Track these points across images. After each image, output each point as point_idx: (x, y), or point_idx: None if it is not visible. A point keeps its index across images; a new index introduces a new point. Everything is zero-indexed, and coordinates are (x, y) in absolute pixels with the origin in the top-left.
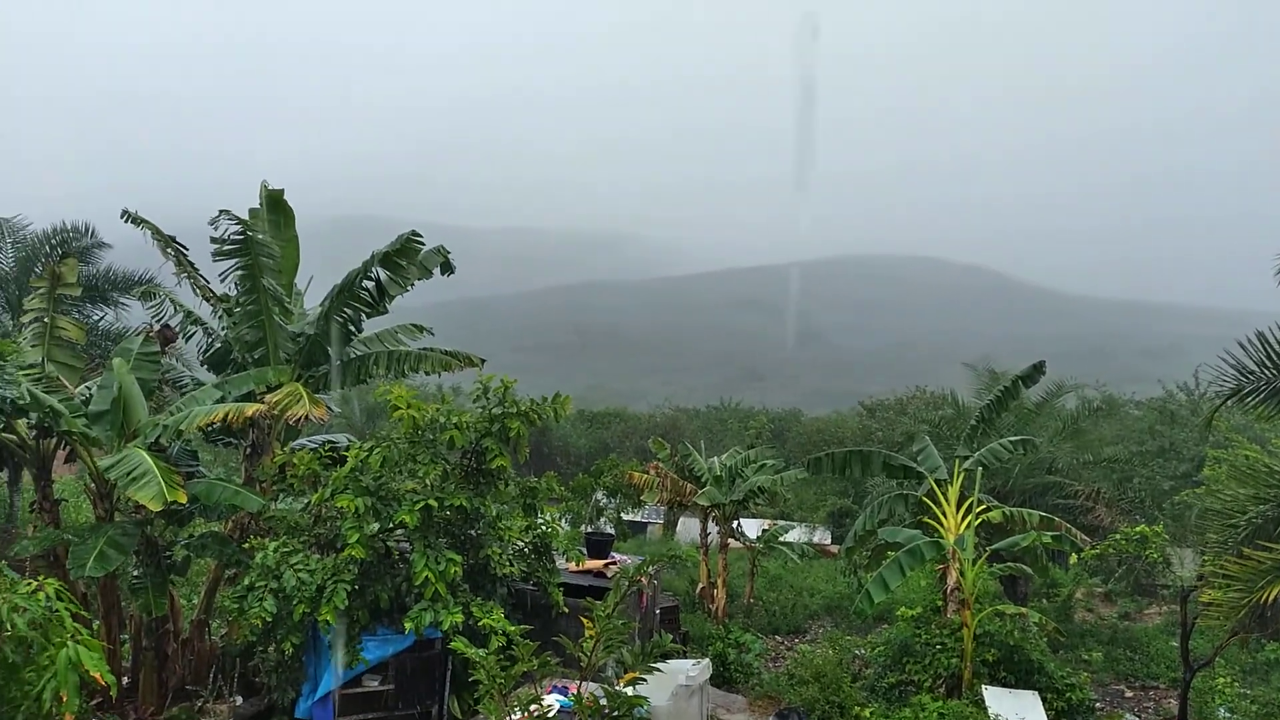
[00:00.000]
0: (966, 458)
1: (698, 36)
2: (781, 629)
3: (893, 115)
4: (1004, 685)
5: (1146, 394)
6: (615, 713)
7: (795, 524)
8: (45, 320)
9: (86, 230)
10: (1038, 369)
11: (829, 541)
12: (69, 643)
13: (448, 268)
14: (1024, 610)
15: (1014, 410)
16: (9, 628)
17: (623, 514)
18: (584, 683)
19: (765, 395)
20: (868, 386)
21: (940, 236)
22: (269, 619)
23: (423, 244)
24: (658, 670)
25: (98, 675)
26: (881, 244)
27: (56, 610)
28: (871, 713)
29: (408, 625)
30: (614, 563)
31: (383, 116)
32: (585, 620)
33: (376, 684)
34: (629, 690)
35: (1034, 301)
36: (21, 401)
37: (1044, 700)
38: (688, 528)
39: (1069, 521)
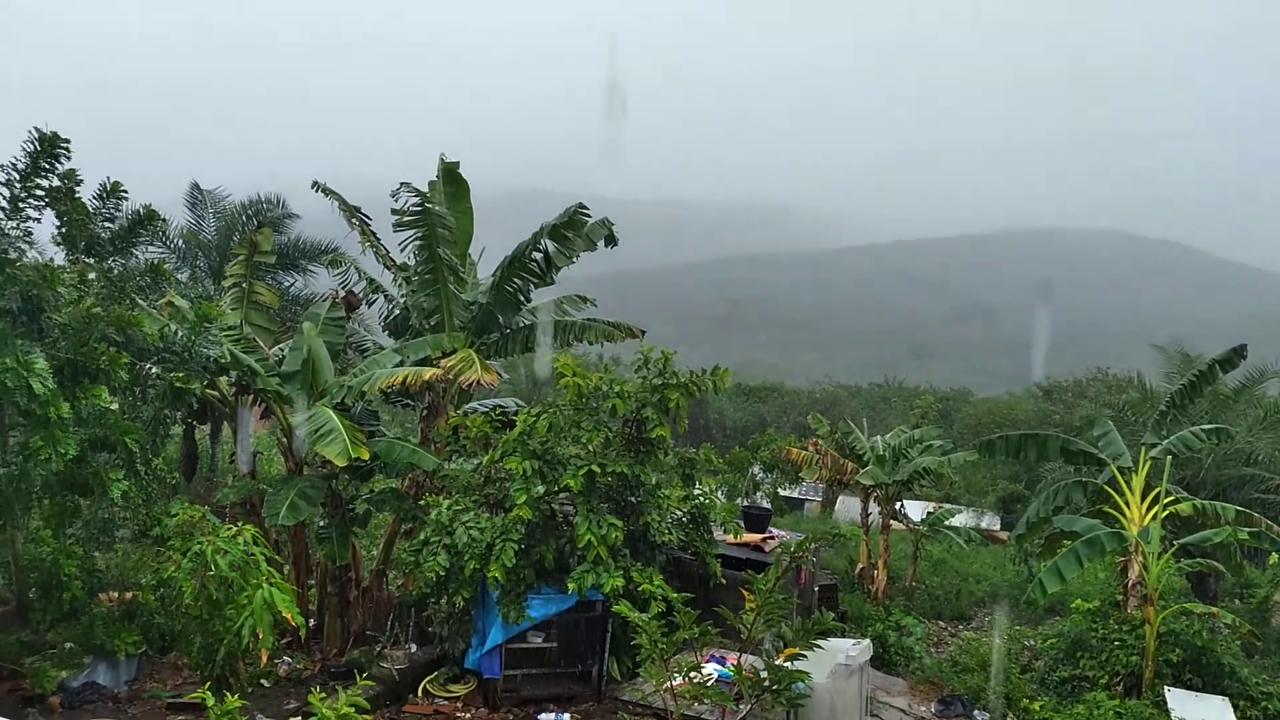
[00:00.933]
0: (1154, 445)
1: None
2: (944, 614)
3: (1074, 77)
4: (1189, 688)
5: None
6: (775, 686)
7: (962, 508)
8: (243, 286)
9: (278, 201)
10: (1238, 353)
11: (997, 527)
12: (264, 585)
13: (611, 240)
14: (1215, 610)
15: (1208, 396)
16: (213, 568)
17: (779, 489)
18: (743, 654)
19: (929, 374)
20: (1041, 368)
21: (1126, 208)
22: (442, 573)
23: (589, 217)
24: (818, 647)
25: (289, 616)
26: (1059, 216)
27: (253, 554)
28: (1041, 706)
29: (570, 586)
30: (771, 537)
31: (549, 94)
32: (746, 592)
33: (540, 641)
34: (789, 665)
35: (1231, 278)
36: (224, 361)
37: (1235, 708)
38: (847, 506)
39: (1269, 518)
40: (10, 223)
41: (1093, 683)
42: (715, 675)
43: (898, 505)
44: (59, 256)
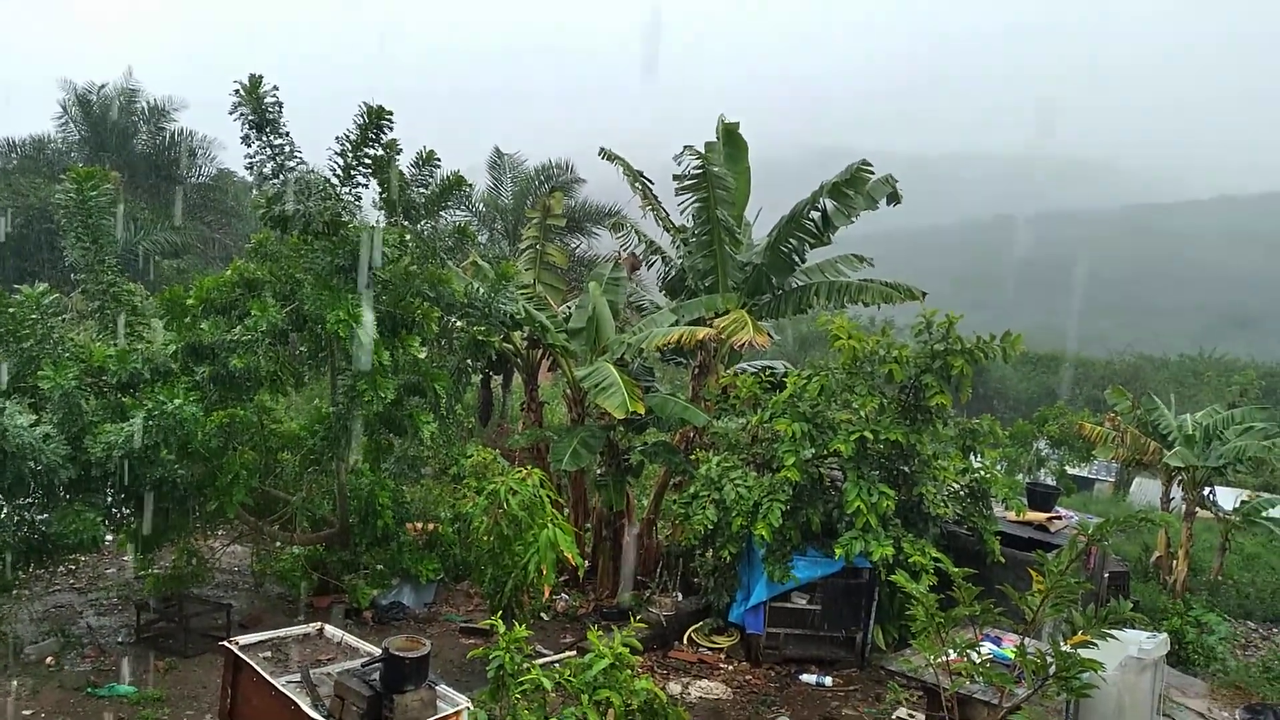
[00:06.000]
0: None
1: None
2: (1255, 615)
3: None
4: None
5: None
6: (1063, 673)
7: None
8: (537, 247)
9: (567, 167)
10: None
11: None
12: (549, 525)
13: (895, 198)
14: None
15: None
16: (505, 506)
17: (1067, 467)
18: (1025, 638)
19: (1253, 346)
20: None
21: None
22: (710, 526)
23: (872, 174)
24: (1112, 637)
25: (569, 556)
26: None
27: (540, 496)
28: None
29: (838, 551)
30: (1058, 517)
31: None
32: (1033, 572)
33: (804, 602)
34: (1078, 653)
35: None
36: (519, 317)
37: None
38: (1143, 489)
39: None
40: (344, 189)
41: None
42: (991, 655)
43: (1206, 491)
44: (380, 219)
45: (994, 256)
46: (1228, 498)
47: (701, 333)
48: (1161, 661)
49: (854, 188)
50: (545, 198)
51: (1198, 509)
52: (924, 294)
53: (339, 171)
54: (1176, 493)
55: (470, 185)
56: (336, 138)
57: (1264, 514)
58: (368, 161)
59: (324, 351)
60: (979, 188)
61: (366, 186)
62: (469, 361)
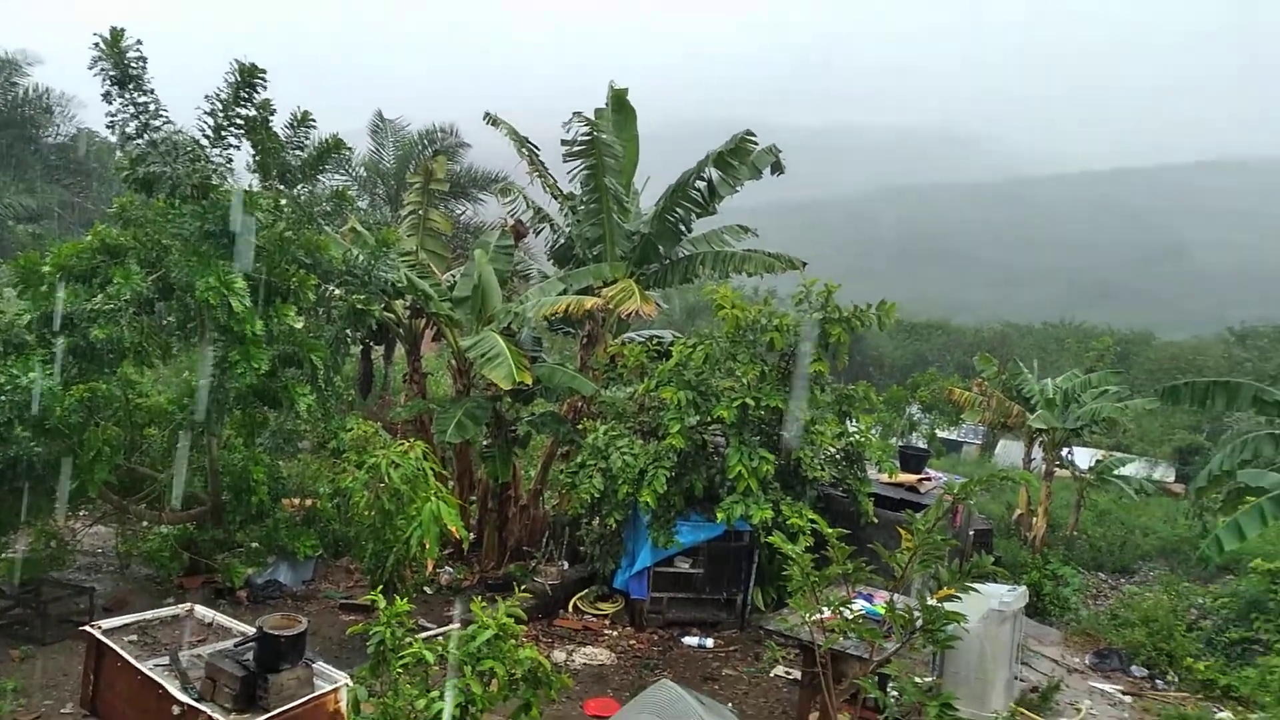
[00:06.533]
0: None
1: None
2: (1106, 566)
3: None
4: None
5: None
6: (928, 626)
7: (1135, 457)
8: (419, 213)
9: (452, 130)
10: None
11: (1172, 479)
12: (432, 498)
13: (778, 168)
14: None
15: None
16: (386, 480)
17: (937, 430)
18: (894, 594)
19: (1112, 314)
20: (1235, 311)
21: None
22: (596, 495)
23: (756, 144)
24: (974, 590)
25: (454, 529)
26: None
27: (423, 469)
28: (1206, 666)
29: (720, 515)
30: (928, 478)
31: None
32: (902, 530)
33: (687, 566)
34: (943, 607)
35: None
36: (400, 285)
37: None
38: (1008, 451)
39: None
40: (214, 150)
41: (1267, 647)
42: (863, 612)
43: (1065, 452)
44: (254, 183)
45: (874, 228)
46: (1084, 457)
47: (589, 302)
48: (1020, 613)
49: (738, 158)
50: (428, 161)
51: (1056, 468)
52: (804, 264)
53: (208, 132)
54: (1038, 453)
55: (349, 149)
56: (206, 96)
57: (1115, 472)
58: (240, 122)
59: (193, 321)
60: (862, 162)
61: (239, 149)
62: (348, 331)
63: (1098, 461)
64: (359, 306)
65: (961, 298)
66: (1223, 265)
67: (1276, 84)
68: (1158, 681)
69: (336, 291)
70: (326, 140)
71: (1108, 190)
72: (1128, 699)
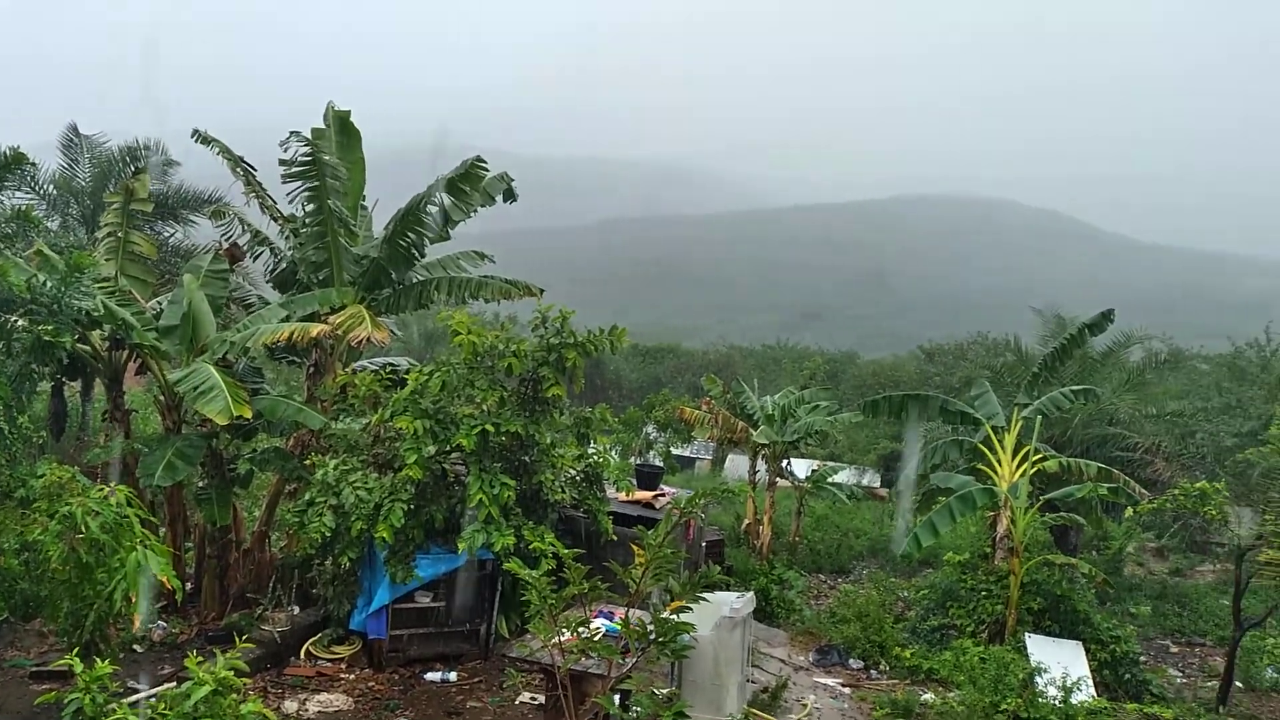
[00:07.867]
0: (1025, 405)
1: None
2: (825, 568)
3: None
4: (1048, 634)
5: (1218, 350)
6: (661, 638)
7: (845, 466)
8: (119, 235)
9: (158, 147)
10: (1106, 317)
11: (878, 484)
12: (138, 547)
13: (510, 195)
14: (1074, 561)
15: (1078, 359)
16: (83, 529)
17: (672, 448)
18: (631, 609)
19: (823, 336)
20: (928, 331)
21: (1015, 176)
22: (328, 534)
23: (487, 170)
24: (704, 601)
25: (164, 579)
26: (961, 182)
27: (126, 516)
28: (912, 653)
29: (461, 545)
30: (662, 494)
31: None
32: (636, 547)
33: (429, 600)
34: (675, 618)
35: (1112, 249)
36: (96, 314)
37: (1088, 651)
38: (735, 464)
39: (1127, 474)
40: None
41: (960, 630)
42: (604, 630)
43: (785, 463)
44: None
45: (616, 257)
46: (802, 468)
47: (315, 329)
48: (749, 618)
49: (469, 184)
50: (129, 180)
51: (778, 479)
52: (542, 290)
53: None
54: (761, 466)
55: (34, 164)
56: None
57: (829, 480)
58: None
59: None
60: (606, 190)
61: None
62: (34, 366)
63: (813, 471)
64: (47, 338)
65: (691, 322)
66: (918, 290)
67: (944, 119)
68: (872, 671)
69: (19, 322)
70: (5, 154)
71: (831, 220)
72: (847, 690)
